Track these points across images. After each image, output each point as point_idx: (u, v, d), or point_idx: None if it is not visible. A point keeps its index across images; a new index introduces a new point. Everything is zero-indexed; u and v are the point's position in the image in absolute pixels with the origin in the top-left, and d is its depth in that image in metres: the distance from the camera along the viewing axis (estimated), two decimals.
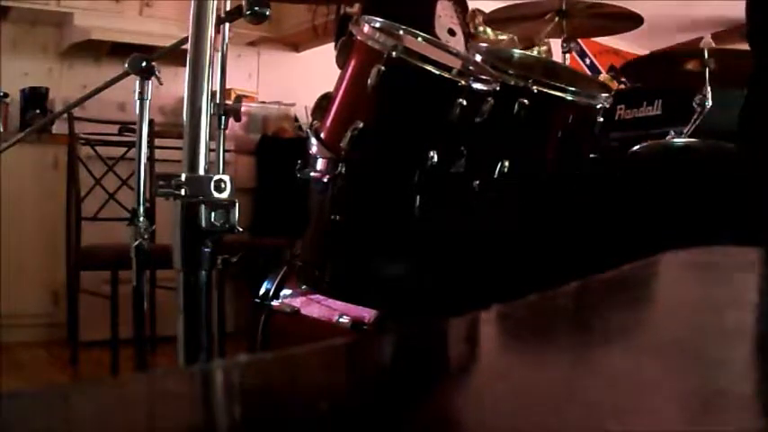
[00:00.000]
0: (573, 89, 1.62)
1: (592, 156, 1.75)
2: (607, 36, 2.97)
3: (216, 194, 1.03)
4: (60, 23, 3.89)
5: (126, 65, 1.39)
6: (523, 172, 1.61)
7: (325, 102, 1.59)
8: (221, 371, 0.40)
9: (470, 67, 1.58)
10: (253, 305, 1.79)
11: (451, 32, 2.71)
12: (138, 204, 1.39)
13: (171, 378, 0.38)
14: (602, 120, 1.67)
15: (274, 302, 1.72)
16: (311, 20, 3.93)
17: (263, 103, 4.31)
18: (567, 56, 2.44)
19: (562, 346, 0.43)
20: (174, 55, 1.81)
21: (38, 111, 3.70)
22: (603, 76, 3.29)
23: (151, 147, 3.12)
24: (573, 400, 0.32)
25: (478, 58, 1.68)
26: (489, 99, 1.50)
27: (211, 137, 1.09)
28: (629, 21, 2.44)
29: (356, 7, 2.75)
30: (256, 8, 1.14)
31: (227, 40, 1.24)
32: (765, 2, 1.30)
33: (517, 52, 1.96)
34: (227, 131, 1.21)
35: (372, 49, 1.47)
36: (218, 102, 1.14)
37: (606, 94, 1.69)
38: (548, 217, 1.68)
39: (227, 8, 1.22)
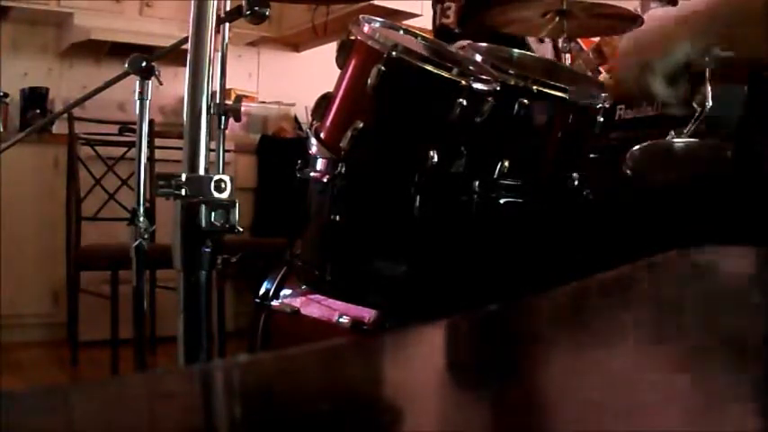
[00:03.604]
0: (573, 89, 1.62)
1: (592, 156, 1.75)
2: (607, 36, 2.97)
3: (216, 194, 1.03)
4: (60, 23, 3.89)
5: (126, 65, 1.39)
6: (523, 173, 1.61)
7: (325, 102, 1.59)
8: (221, 371, 0.40)
9: (470, 67, 1.58)
10: (253, 305, 1.79)
11: (541, 40, 2.76)
12: (138, 204, 1.38)
13: (171, 378, 0.38)
14: (602, 120, 1.67)
15: (274, 302, 1.72)
16: (311, 20, 3.93)
17: (263, 103, 4.31)
18: (568, 56, 2.43)
19: (561, 345, 0.43)
20: (174, 55, 1.81)
21: (38, 111, 3.70)
22: (603, 76, 3.28)
23: (151, 147, 3.12)
24: (572, 399, 0.32)
25: (478, 58, 1.68)
26: (489, 99, 1.50)
27: (211, 137, 1.09)
28: (630, 21, 2.43)
29: (452, 8, 2.80)
30: (256, 8, 1.14)
31: (227, 40, 1.24)
32: None
33: (517, 52, 1.96)
34: (227, 131, 1.21)
35: (372, 49, 1.47)
36: (218, 102, 1.14)
37: (606, 94, 1.69)
38: (548, 216, 1.68)
39: (227, 8, 1.22)
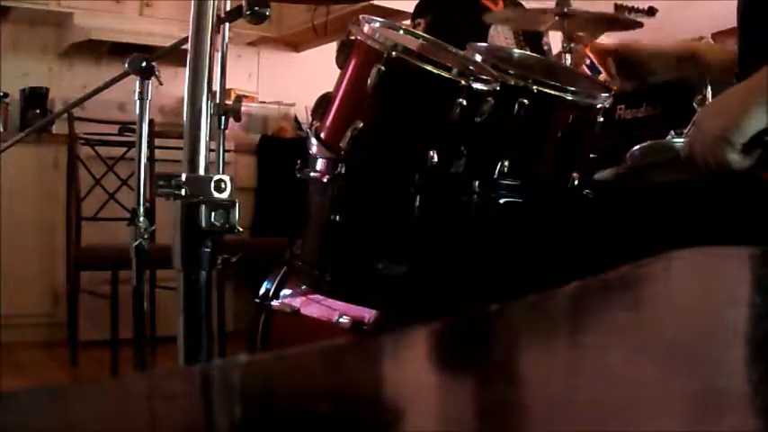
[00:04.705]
0: (573, 89, 1.62)
1: (592, 156, 1.75)
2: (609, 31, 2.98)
3: (216, 194, 1.03)
4: (60, 23, 3.89)
5: (126, 65, 1.39)
6: (523, 173, 1.61)
7: (325, 102, 1.59)
8: (221, 371, 0.40)
9: (470, 67, 1.58)
10: (253, 305, 1.79)
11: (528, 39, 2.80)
12: (138, 204, 1.38)
13: (171, 378, 0.38)
14: (602, 120, 1.66)
15: (274, 302, 1.72)
16: (311, 20, 3.93)
17: (263, 103, 4.31)
18: (568, 56, 2.43)
19: (562, 346, 0.43)
20: (174, 55, 1.81)
21: (38, 111, 3.70)
22: (603, 76, 3.27)
23: (151, 147, 3.12)
24: (572, 400, 0.32)
25: (478, 58, 1.68)
26: (489, 99, 1.50)
27: (211, 137, 1.09)
28: (630, 22, 2.44)
29: (422, 24, 2.84)
30: (256, 8, 1.14)
31: (227, 40, 1.24)
32: (756, 14, 1.31)
33: (517, 52, 1.96)
34: (227, 131, 1.21)
35: (372, 49, 1.47)
36: (218, 102, 1.14)
37: (606, 94, 1.69)
38: (548, 216, 1.68)
39: (227, 8, 1.22)
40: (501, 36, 2.85)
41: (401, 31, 1.68)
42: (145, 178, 1.44)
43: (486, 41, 2.76)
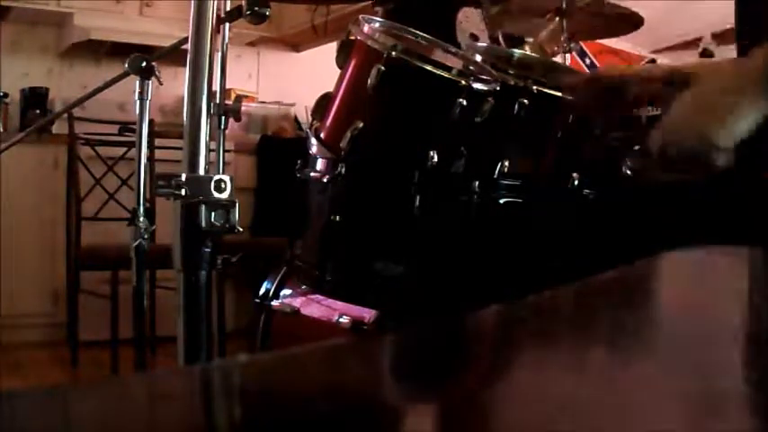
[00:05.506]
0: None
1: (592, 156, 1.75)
2: (608, 37, 2.97)
3: (216, 194, 1.03)
4: (60, 23, 3.89)
5: (126, 65, 1.39)
6: (523, 173, 1.61)
7: (325, 102, 1.59)
8: (221, 371, 0.40)
9: (470, 67, 1.58)
10: (253, 305, 1.79)
11: (474, 38, 2.73)
12: (138, 204, 1.38)
13: (171, 378, 0.38)
14: (602, 119, 1.67)
15: (274, 302, 1.72)
16: (311, 20, 3.93)
17: (263, 103, 4.31)
18: (567, 56, 2.43)
19: (562, 346, 0.43)
20: (174, 55, 1.81)
21: (38, 111, 3.70)
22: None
23: (151, 147, 3.12)
24: (573, 400, 0.32)
25: (478, 58, 1.68)
26: (489, 99, 1.50)
27: (211, 137, 1.09)
28: (630, 21, 2.44)
29: (380, 11, 2.79)
30: (256, 8, 1.14)
31: (227, 40, 1.24)
32: (753, 19, 1.31)
33: (517, 52, 1.96)
34: (226, 131, 1.21)
35: (372, 49, 1.47)
36: (218, 102, 1.14)
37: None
38: (548, 216, 1.68)
39: (227, 8, 1.22)
40: (472, 24, 2.77)
41: (401, 31, 1.68)
42: (145, 178, 1.44)
43: (452, 29, 2.69)
